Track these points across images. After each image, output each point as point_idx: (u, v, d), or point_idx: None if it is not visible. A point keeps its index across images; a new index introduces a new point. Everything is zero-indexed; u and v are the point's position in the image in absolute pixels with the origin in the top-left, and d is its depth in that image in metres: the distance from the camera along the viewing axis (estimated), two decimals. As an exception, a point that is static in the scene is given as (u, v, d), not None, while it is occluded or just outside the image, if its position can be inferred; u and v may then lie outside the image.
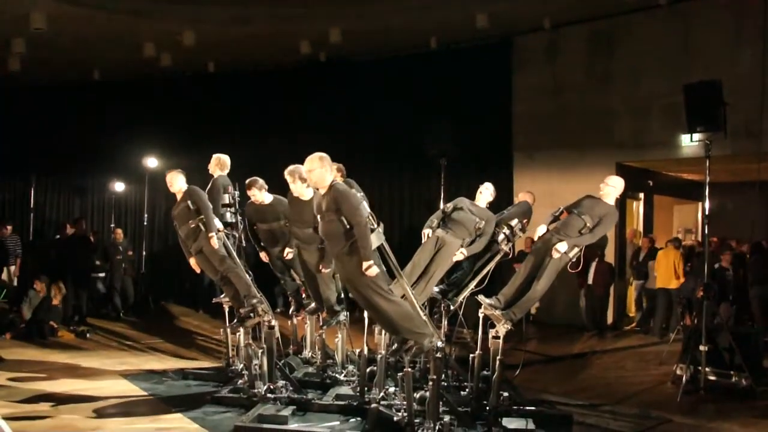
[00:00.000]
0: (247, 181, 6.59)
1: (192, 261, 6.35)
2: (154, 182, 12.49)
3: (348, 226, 4.60)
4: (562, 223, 5.73)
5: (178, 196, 6.34)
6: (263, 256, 6.87)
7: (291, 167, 5.91)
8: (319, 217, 4.83)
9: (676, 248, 9.86)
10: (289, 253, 6.56)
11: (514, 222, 6.08)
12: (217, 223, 6.23)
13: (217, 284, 6.56)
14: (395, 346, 5.03)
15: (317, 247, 6.01)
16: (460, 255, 5.95)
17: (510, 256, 6.16)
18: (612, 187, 5.84)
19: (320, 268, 6.09)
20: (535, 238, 5.85)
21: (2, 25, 9.71)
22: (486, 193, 6.28)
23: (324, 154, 4.73)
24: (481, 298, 5.67)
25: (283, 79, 12.58)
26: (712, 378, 6.71)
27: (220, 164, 6.95)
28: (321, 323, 6.56)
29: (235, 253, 6.35)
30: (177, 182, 6.32)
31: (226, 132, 12.37)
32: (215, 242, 6.04)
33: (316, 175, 4.72)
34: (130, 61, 11.58)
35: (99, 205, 13.50)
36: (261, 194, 6.53)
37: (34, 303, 9.44)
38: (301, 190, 5.96)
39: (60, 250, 11.10)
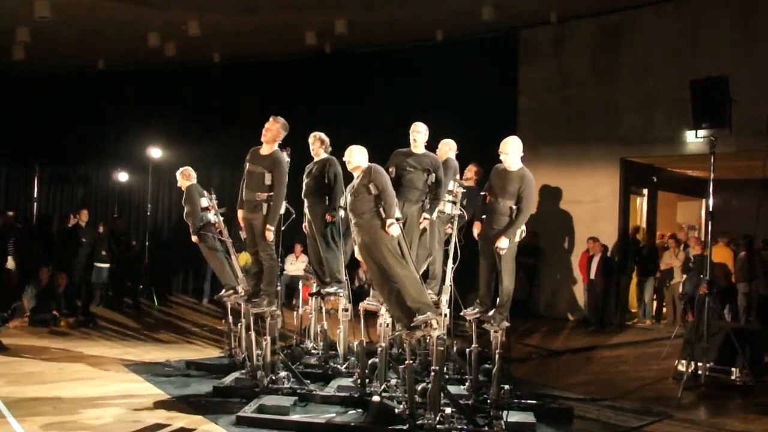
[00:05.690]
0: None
1: (240, 213, 6.08)
2: (158, 172, 12.51)
3: (376, 193, 4.94)
4: (491, 215, 5.60)
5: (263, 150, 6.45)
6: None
7: (316, 133, 6.81)
8: (350, 194, 5.18)
9: (726, 246, 9.56)
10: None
11: (451, 185, 6.02)
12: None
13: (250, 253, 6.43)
14: (408, 325, 4.95)
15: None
16: (426, 222, 5.88)
17: (467, 218, 6.03)
18: (514, 152, 5.55)
19: (327, 217, 6.42)
20: (476, 237, 5.75)
21: (7, 14, 9.69)
22: (423, 132, 6.12)
23: (363, 148, 5.27)
24: (464, 312, 5.81)
25: (288, 70, 12.54)
26: (713, 374, 6.71)
27: (187, 176, 7.18)
28: (323, 293, 6.59)
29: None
30: (277, 131, 6.62)
31: (229, 123, 12.33)
32: (270, 236, 5.86)
33: (355, 160, 5.20)
34: (135, 51, 11.56)
35: (102, 195, 13.49)
36: None
37: (37, 292, 9.48)
38: (318, 152, 6.73)
39: (63, 240, 11.13)
